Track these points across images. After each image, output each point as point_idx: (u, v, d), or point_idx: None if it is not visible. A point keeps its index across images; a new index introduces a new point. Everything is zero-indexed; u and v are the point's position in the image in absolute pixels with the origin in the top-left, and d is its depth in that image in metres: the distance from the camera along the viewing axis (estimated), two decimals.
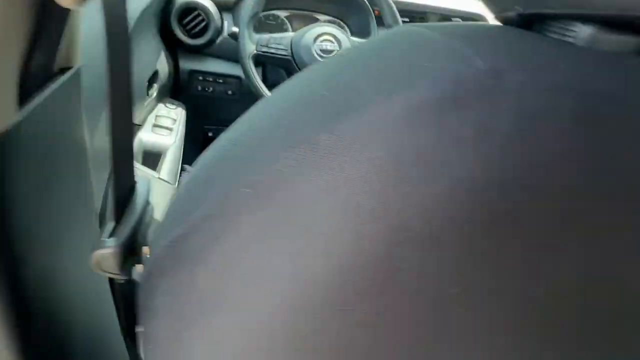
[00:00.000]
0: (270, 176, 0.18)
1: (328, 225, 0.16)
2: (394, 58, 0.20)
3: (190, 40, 1.22)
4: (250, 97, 1.36)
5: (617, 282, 0.17)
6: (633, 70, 0.18)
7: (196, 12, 1.20)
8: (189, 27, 1.21)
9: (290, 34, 1.07)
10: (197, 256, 0.19)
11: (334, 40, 1.05)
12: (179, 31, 1.20)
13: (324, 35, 1.05)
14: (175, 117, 1.13)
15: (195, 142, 1.61)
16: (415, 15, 1.43)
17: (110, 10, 0.26)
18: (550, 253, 0.16)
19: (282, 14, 1.38)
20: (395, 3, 1.46)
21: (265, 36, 1.04)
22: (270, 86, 1.20)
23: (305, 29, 1.06)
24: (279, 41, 1.04)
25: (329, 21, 1.42)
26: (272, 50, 1.03)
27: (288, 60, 1.04)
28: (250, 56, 1.01)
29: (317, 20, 1.42)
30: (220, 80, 1.26)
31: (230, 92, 1.28)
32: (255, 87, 1.02)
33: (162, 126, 1.05)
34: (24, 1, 0.29)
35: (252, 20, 1.02)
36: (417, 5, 1.42)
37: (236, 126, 0.24)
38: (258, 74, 1.04)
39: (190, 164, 1.51)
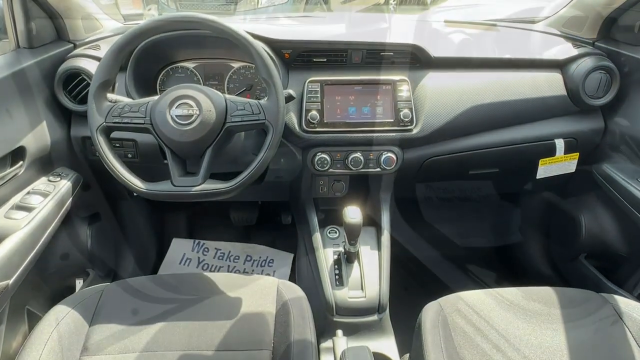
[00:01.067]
0: None
1: None
2: None
3: (77, 106, 1.16)
4: (150, 159, 1.28)
5: None
6: None
7: (80, 77, 1.15)
8: (74, 92, 1.15)
9: (149, 99, 0.97)
10: None
11: (193, 104, 0.93)
12: (63, 98, 1.15)
13: (182, 99, 0.93)
14: (50, 190, 1.07)
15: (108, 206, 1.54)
16: (337, 52, 1.28)
17: None
18: None
19: (190, 65, 1.30)
20: (313, 42, 1.32)
21: (121, 104, 0.95)
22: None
23: (165, 92, 0.96)
24: (136, 108, 0.94)
25: (243, 67, 1.31)
26: (126, 120, 0.93)
27: (146, 128, 0.94)
28: (98, 129, 0.92)
29: (231, 67, 1.31)
30: (117, 145, 1.19)
31: (130, 156, 1.21)
32: (104, 161, 0.93)
33: (24, 206, 0.99)
34: None
35: (100, 89, 0.93)
36: (339, 42, 1.27)
37: None
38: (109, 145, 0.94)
39: (98, 232, 1.43)
